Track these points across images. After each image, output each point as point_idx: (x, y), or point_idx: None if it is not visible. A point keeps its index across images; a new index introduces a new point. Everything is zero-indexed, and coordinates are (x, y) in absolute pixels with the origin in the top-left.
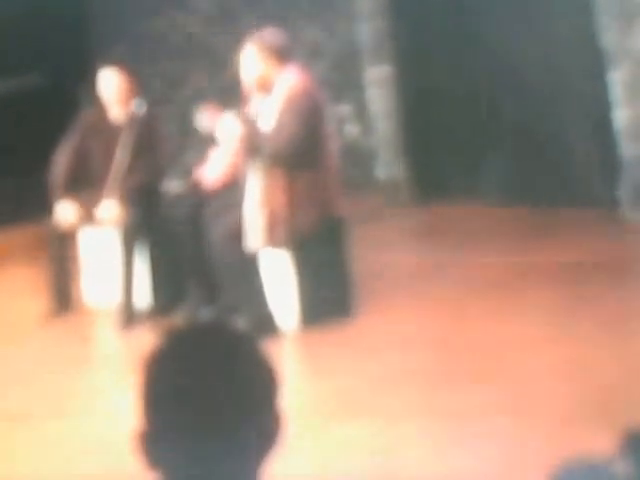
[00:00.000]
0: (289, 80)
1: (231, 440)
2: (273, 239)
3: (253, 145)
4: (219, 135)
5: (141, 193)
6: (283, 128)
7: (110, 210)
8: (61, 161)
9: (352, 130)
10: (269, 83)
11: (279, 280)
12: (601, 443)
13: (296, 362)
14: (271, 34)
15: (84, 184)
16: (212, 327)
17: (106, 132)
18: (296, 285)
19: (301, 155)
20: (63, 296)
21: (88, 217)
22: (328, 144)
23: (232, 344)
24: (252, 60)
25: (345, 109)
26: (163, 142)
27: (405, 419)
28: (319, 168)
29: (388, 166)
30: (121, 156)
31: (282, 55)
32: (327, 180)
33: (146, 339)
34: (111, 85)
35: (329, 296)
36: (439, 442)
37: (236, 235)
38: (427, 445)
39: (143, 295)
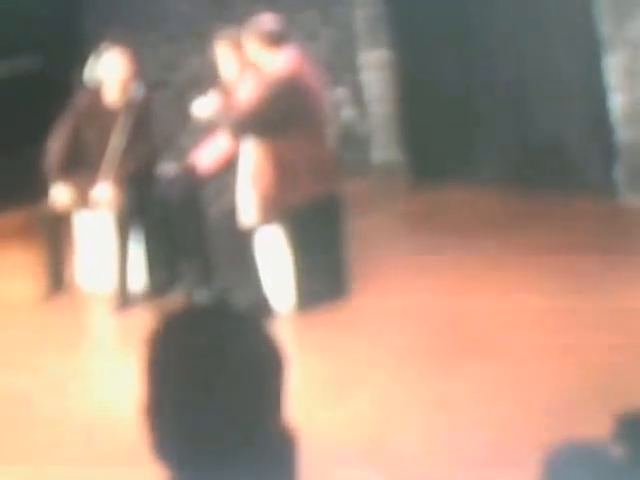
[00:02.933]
0: (278, 64)
1: (237, 421)
2: (264, 214)
3: (222, 116)
4: (197, 112)
5: (136, 176)
6: (249, 102)
7: (105, 193)
8: (56, 144)
9: (348, 113)
10: (261, 67)
11: (274, 261)
12: (598, 425)
13: (291, 343)
14: (267, 20)
15: (79, 167)
16: (217, 306)
17: (102, 115)
18: (291, 265)
19: (275, 128)
20: (57, 278)
21: (83, 200)
22: (322, 124)
23: (239, 324)
24: (247, 46)
25: (341, 92)
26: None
27: (401, 398)
28: (308, 145)
29: (384, 150)
30: (117, 139)
31: (276, 41)
32: (321, 158)
33: (141, 321)
34: (116, 66)
35: (324, 276)
36: (435, 420)
37: (231, 217)
38: (423, 422)
39: (138, 277)
